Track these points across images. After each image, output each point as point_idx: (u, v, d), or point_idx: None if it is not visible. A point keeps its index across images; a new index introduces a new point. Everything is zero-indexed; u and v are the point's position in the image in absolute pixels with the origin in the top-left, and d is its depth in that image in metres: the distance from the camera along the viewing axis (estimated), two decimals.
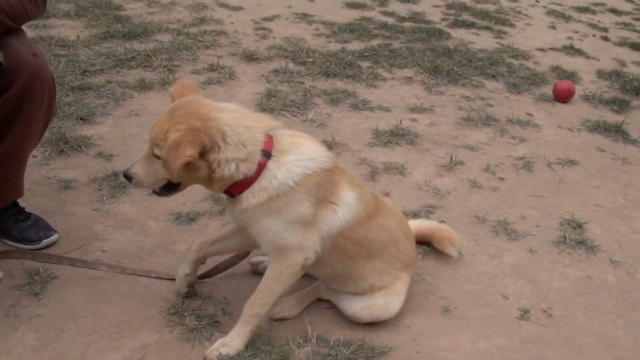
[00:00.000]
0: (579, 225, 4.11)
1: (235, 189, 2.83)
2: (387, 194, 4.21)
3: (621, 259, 3.86)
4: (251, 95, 5.38)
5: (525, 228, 4.05)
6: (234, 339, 2.92)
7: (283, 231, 2.84)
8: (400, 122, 5.12)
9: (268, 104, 5.21)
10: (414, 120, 5.29)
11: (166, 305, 3.15)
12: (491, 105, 5.74)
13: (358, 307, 3.15)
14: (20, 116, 3.14)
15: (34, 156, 4.23)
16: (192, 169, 2.74)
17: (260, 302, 2.93)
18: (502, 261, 3.74)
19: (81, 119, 4.70)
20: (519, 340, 3.19)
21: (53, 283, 3.24)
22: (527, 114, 5.68)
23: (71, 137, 4.40)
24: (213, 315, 3.13)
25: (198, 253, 3.17)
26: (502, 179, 4.59)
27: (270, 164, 2.79)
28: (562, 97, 6.02)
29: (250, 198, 2.82)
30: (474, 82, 6.20)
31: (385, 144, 4.85)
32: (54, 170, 4.12)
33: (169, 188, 2.90)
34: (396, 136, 4.95)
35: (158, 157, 2.76)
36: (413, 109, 5.47)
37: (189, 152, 2.62)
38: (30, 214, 3.53)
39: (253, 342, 2.98)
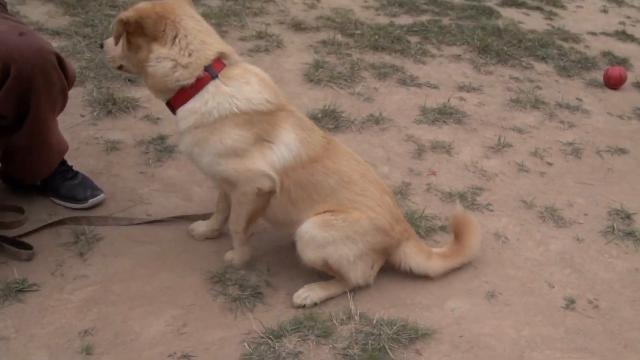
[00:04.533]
0: (628, 216, 4.01)
1: (174, 101, 2.92)
2: (433, 173, 4.15)
3: None
4: (298, 65, 5.32)
5: (572, 215, 3.97)
6: (236, 252, 3.20)
7: (214, 164, 2.93)
8: (449, 100, 5.03)
9: (315, 74, 5.14)
10: (462, 99, 5.20)
11: (210, 274, 3.15)
12: (540, 88, 5.62)
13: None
14: (32, 102, 3.09)
15: (82, 115, 4.24)
16: (133, 46, 2.87)
17: (234, 221, 3.12)
18: (548, 248, 3.67)
19: (129, 80, 4.68)
20: (564, 330, 3.13)
21: (99, 244, 3.26)
22: (577, 98, 5.55)
23: (119, 98, 4.39)
24: (256, 286, 3.11)
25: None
26: (549, 163, 4.50)
27: (210, 87, 2.86)
28: (613, 83, 5.86)
29: (181, 121, 2.91)
30: (523, 64, 6.07)
31: (433, 121, 4.78)
32: (101, 130, 4.12)
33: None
34: (444, 114, 4.87)
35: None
36: (461, 88, 5.37)
37: (127, 13, 2.78)
38: (77, 172, 3.54)
39: (296, 317, 2.97)
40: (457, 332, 3.02)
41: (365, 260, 3.10)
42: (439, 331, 3.00)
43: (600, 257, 3.67)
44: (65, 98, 3.28)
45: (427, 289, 3.25)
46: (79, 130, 4.00)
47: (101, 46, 3.11)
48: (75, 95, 4.37)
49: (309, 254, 3.02)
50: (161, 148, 4.00)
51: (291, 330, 2.88)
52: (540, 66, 6.11)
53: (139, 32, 2.82)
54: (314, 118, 4.52)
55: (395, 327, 2.93)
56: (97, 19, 5.48)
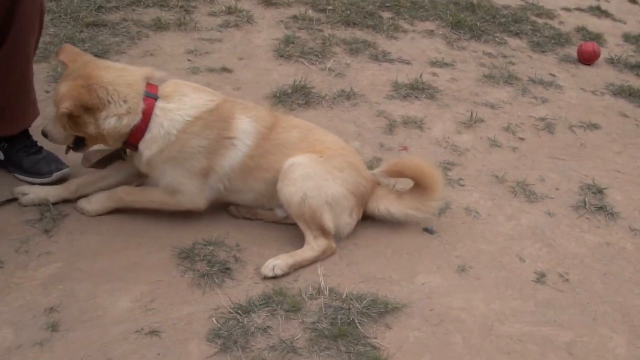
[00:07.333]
0: (599, 191, 4.02)
1: (133, 139, 3.09)
2: (404, 148, 4.12)
3: None
4: (269, 40, 5.25)
5: (544, 190, 3.96)
6: (97, 201, 3.25)
7: (180, 177, 3.14)
8: (421, 75, 5.00)
9: (286, 50, 5.08)
10: (434, 74, 5.17)
11: (178, 250, 3.10)
12: (513, 64, 5.60)
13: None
14: (16, 15, 3.13)
15: (47, 92, 4.14)
16: (81, 123, 3.02)
17: (136, 198, 3.25)
18: (520, 222, 3.67)
19: (96, 56, 4.56)
20: (533, 303, 3.14)
21: (64, 221, 3.19)
22: (550, 74, 5.54)
23: None
24: (225, 261, 3.08)
25: (73, 193, 3.32)
26: (522, 139, 4.49)
27: (157, 111, 3.07)
28: (587, 59, 5.86)
29: (145, 150, 3.09)
30: (496, 39, 6.05)
31: (404, 97, 4.74)
32: None
33: (78, 144, 3.18)
34: (416, 90, 4.83)
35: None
36: (434, 63, 5.34)
37: (66, 105, 2.93)
38: (42, 148, 3.46)
39: (265, 292, 2.94)
40: (428, 306, 3.01)
41: (344, 206, 3.20)
42: (409, 305, 2.99)
43: (571, 231, 3.67)
44: (41, 25, 3.37)
45: (397, 263, 3.23)
46: (43, 107, 3.87)
47: (45, 135, 3.19)
48: (40, 70, 4.27)
49: (290, 187, 3.13)
50: None
51: (260, 305, 2.86)
52: (513, 42, 6.09)
53: (82, 113, 2.99)
54: (284, 94, 4.48)
55: (364, 302, 2.92)
56: None
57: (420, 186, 3.36)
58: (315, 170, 3.15)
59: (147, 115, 3.06)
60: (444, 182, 3.40)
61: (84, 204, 3.23)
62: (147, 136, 3.08)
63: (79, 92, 2.96)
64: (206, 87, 3.33)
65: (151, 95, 3.08)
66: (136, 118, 3.04)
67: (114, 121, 3.02)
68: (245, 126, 3.18)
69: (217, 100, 3.20)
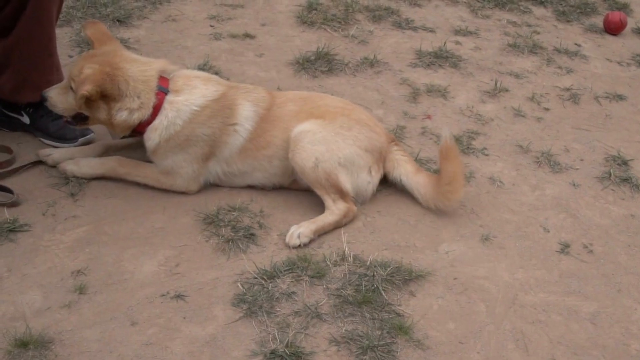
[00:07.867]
0: (625, 162, 3.98)
1: (140, 128, 3.14)
2: (428, 117, 4.09)
3: None
4: (291, 7, 5.20)
5: (568, 161, 3.93)
6: (87, 165, 3.24)
7: (181, 162, 3.17)
8: (444, 44, 4.94)
9: (308, 16, 5.03)
10: (458, 43, 5.10)
11: (202, 215, 3.12)
12: (538, 33, 5.52)
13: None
14: None
15: (70, 56, 4.15)
16: (94, 106, 3.06)
17: (129, 171, 3.23)
18: (544, 193, 3.64)
19: (118, 20, 4.59)
20: (558, 274, 3.13)
21: (90, 185, 3.22)
22: (576, 44, 5.46)
23: None
24: (249, 227, 3.09)
25: (99, 155, 3.36)
26: (547, 109, 4.44)
27: (166, 104, 3.11)
28: (613, 28, 5.76)
29: (148, 140, 3.15)
30: (521, 8, 5.95)
31: (428, 65, 4.70)
32: None
33: (78, 119, 3.18)
34: (439, 58, 4.79)
35: (73, 90, 3.05)
36: (457, 32, 5.27)
37: (88, 88, 2.95)
38: None
39: (289, 258, 2.96)
40: (451, 275, 3.02)
41: (359, 165, 3.20)
42: (433, 273, 3.00)
43: (595, 202, 3.65)
44: None
45: (421, 231, 3.23)
46: (66, 71, 3.90)
47: (44, 100, 3.16)
48: (62, 35, 4.28)
49: (301, 154, 3.13)
50: None
51: (284, 271, 2.87)
52: (538, 11, 5.99)
53: (99, 99, 3.04)
54: (307, 60, 4.45)
55: (389, 269, 2.93)
56: None
57: (440, 182, 3.27)
58: (323, 135, 3.15)
59: (157, 110, 3.11)
60: (458, 203, 3.34)
61: (70, 166, 3.21)
62: (151, 127, 3.12)
63: (103, 79, 2.99)
64: (214, 76, 3.38)
65: (162, 90, 3.12)
66: (146, 113, 3.10)
67: (125, 114, 3.08)
68: (247, 112, 3.22)
69: (223, 88, 3.23)
